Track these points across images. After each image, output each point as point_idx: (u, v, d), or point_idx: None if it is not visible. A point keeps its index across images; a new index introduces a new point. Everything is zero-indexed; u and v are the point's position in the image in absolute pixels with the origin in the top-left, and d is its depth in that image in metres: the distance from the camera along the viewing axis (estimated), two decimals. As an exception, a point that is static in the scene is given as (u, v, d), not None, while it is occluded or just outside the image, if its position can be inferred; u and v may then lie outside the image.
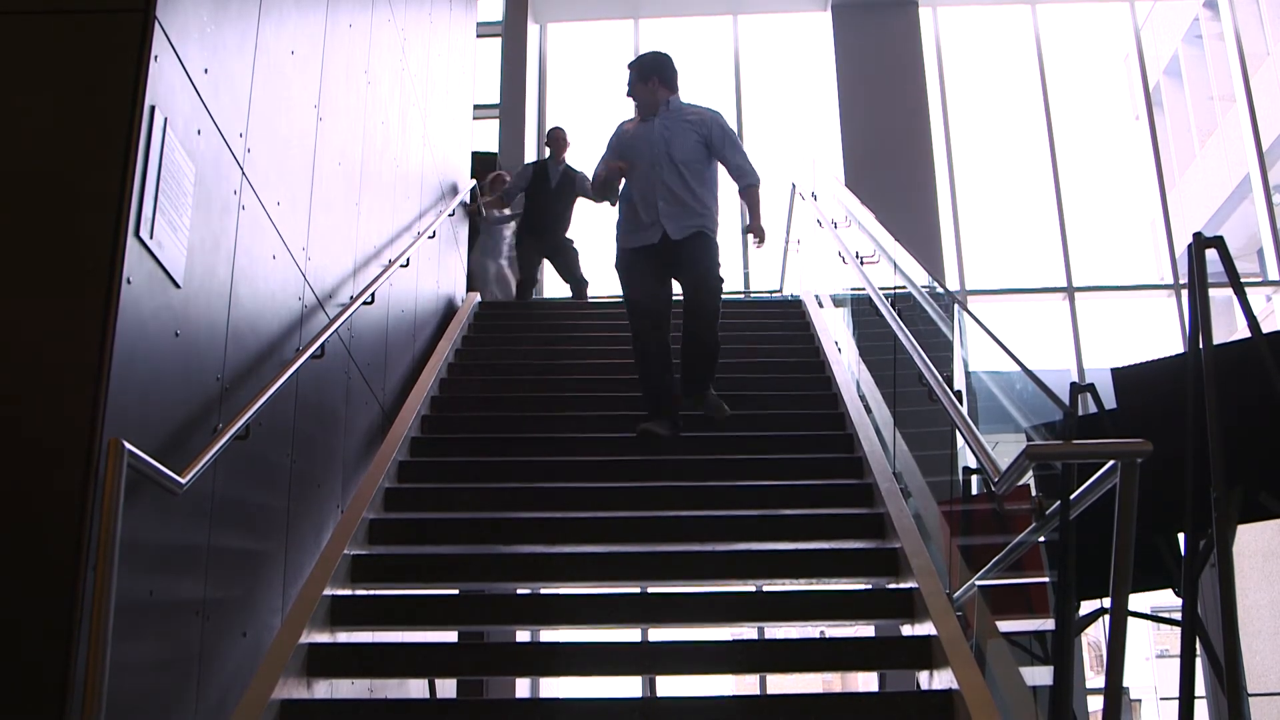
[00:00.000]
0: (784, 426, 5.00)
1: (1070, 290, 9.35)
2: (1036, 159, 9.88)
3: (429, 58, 6.24)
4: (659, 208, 4.72)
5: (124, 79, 2.45)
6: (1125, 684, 2.50)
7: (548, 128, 8.72)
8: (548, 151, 8.20)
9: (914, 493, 4.35)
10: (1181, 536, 2.88)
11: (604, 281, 8.05)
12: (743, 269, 9.72)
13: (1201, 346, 2.62)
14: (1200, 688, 6.44)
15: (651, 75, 4.91)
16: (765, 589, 3.93)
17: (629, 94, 4.94)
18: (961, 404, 3.59)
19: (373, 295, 4.46)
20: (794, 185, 8.33)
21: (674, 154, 4.78)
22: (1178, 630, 2.71)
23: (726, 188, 5.00)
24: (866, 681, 11.70)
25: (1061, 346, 9.14)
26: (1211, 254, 2.66)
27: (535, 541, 4.05)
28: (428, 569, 3.88)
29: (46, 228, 2.37)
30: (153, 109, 2.48)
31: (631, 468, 4.56)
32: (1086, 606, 3.05)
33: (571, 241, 8.11)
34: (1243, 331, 3.05)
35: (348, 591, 3.70)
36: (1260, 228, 9.78)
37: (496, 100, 9.82)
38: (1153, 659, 17.16)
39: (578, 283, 8.09)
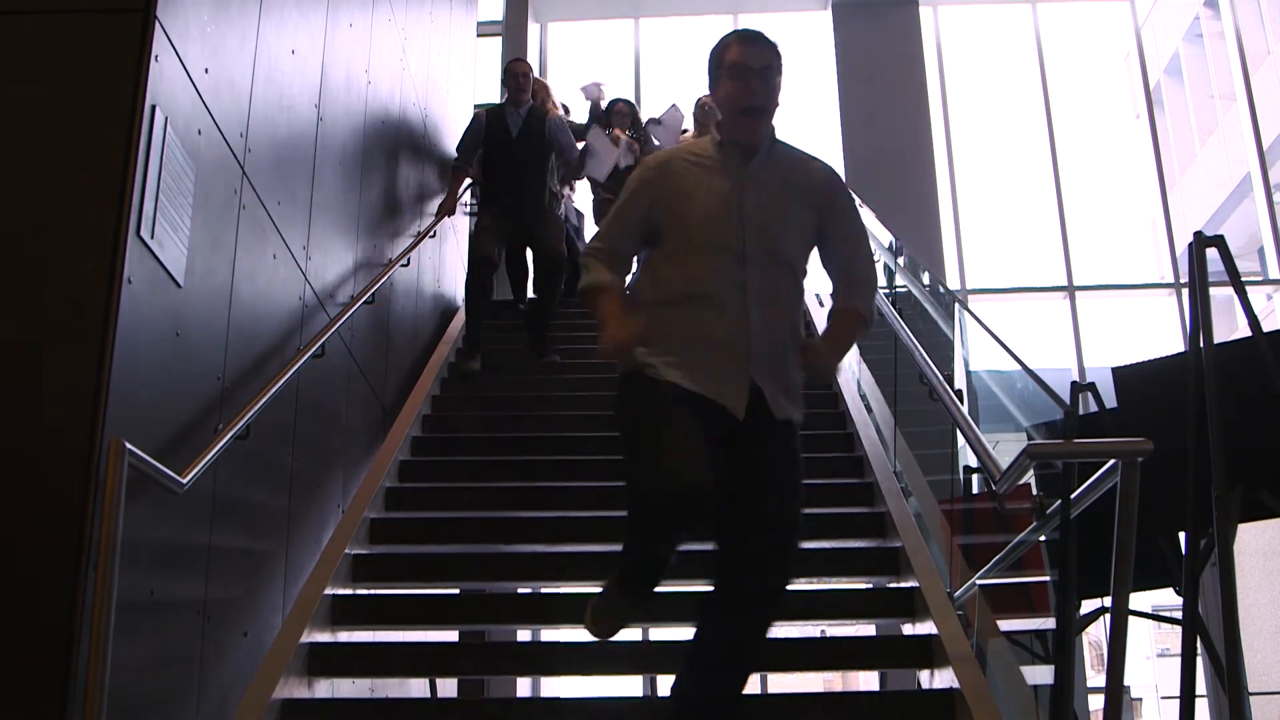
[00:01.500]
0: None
1: (1071, 289, 9.35)
2: (1037, 158, 9.88)
3: (429, 57, 6.24)
4: (750, 347, 2.49)
5: (125, 79, 2.45)
6: (1126, 683, 2.49)
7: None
8: (506, 94, 6.09)
9: (915, 492, 4.35)
10: (1182, 535, 2.88)
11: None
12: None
13: (1202, 345, 2.62)
14: (1201, 686, 6.44)
15: (781, 68, 2.59)
16: (766, 588, 3.92)
17: (748, 97, 2.52)
18: (962, 403, 3.58)
19: (373, 295, 4.46)
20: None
21: (780, 245, 2.56)
22: (1179, 629, 2.71)
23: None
24: (867, 680, 11.70)
25: (1062, 345, 9.15)
26: (1212, 253, 2.66)
27: (536, 540, 4.05)
28: (429, 568, 3.88)
29: (47, 227, 2.37)
30: (153, 109, 2.48)
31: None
32: (1087, 605, 3.05)
33: (553, 211, 5.95)
34: (1243, 330, 3.05)
35: (349, 591, 3.70)
36: (1261, 226, 9.78)
37: (497, 100, 9.82)
38: (1154, 658, 17.14)
39: (553, 264, 5.71)
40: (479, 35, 8.72)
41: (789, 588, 2.53)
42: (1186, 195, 13.02)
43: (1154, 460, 2.16)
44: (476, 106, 7.77)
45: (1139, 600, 2.96)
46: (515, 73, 6.03)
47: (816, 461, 4.64)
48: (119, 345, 2.32)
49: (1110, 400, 2.98)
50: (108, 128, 2.42)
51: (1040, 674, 3.14)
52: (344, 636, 3.57)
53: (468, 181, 6.42)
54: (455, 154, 6.16)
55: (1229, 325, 9.76)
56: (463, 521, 4.12)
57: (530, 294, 6.47)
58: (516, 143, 5.86)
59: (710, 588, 2.52)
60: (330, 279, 4.05)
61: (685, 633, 3.94)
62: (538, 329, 5.85)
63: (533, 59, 10.08)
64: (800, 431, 2.67)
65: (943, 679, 3.09)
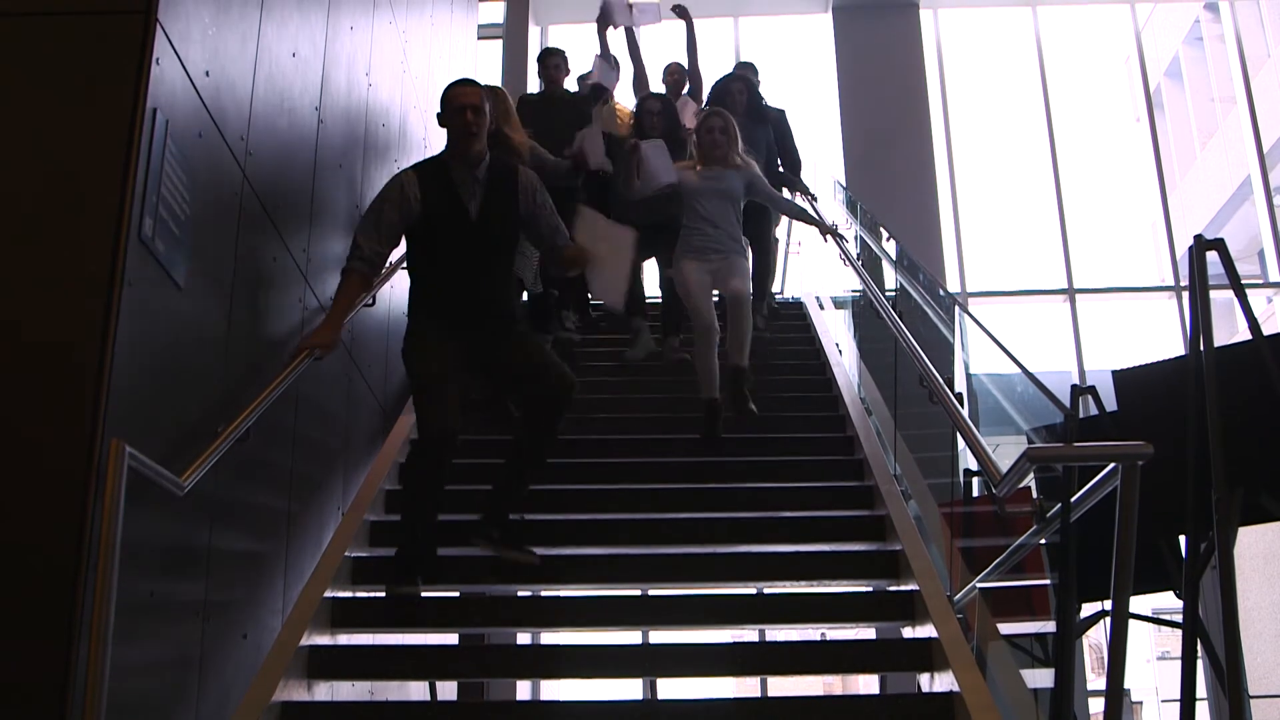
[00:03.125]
0: (785, 429, 5.00)
1: (1071, 292, 9.35)
2: (1037, 161, 9.88)
3: (430, 60, 6.24)
4: None
5: (125, 81, 2.45)
6: (1126, 686, 2.49)
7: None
8: (449, 140, 3.60)
9: (915, 495, 4.35)
10: (1183, 539, 2.87)
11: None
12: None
13: (1202, 348, 2.62)
14: (1201, 689, 6.44)
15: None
16: (766, 591, 3.93)
17: None
18: (962, 406, 3.58)
19: (374, 297, 4.45)
20: (795, 187, 8.29)
21: None
22: (1179, 632, 2.70)
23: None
24: (867, 684, 11.69)
25: (1062, 348, 9.15)
26: (1212, 256, 2.66)
27: (536, 543, 4.04)
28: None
29: (48, 230, 2.37)
30: (154, 111, 2.48)
31: (632, 470, 4.55)
32: (1088, 609, 3.05)
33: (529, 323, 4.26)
34: (1244, 333, 3.05)
35: (348, 593, 3.70)
36: (1261, 229, 9.78)
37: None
38: (1154, 661, 17.14)
39: (556, 389, 3.51)
40: (480, 38, 8.72)
41: None
42: (1187, 198, 13.03)
43: (1154, 463, 2.16)
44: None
45: (1139, 603, 2.96)
46: (463, 104, 3.52)
47: (816, 464, 4.64)
48: (119, 347, 2.32)
49: (1110, 403, 2.98)
50: (109, 130, 2.42)
51: (1040, 677, 3.14)
52: (344, 639, 3.56)
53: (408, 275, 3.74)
54: (356, 239, 3.53)
55: (1229, 328, 9.77)
56: (462, 524, 4.11)
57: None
58: (476, 228, 3.54)
59: None
60: (330, 281, 4.05)
61: (685, 635, 3.95)
62: (511, 497, 3.70)
63: (533, 61, 10.03)
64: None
65: (943, 682, 3.09)
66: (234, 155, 3.02)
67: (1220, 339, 2.70)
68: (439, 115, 3.62)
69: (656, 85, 6.70)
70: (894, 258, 5.75)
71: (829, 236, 5.45)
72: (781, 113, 6.39)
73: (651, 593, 4.01)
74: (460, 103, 3.55)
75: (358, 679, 3.63)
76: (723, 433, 4.64)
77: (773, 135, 6.21)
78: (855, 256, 5.63)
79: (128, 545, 2.22)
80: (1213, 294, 2.67)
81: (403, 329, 3.45)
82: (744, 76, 6.20)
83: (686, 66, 6.66)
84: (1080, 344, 9.15)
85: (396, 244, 3.61)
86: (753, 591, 3.97)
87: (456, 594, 4.34)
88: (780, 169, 6.20)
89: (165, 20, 2.54)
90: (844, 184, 8.31)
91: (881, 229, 6.11)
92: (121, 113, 2.43)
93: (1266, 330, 2.69)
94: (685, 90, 6.60)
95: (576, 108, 5.97)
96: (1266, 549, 8.95)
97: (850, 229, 6.64)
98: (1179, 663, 2.69)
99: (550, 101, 6.05)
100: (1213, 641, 2.87)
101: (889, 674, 5.15)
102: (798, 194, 6.23)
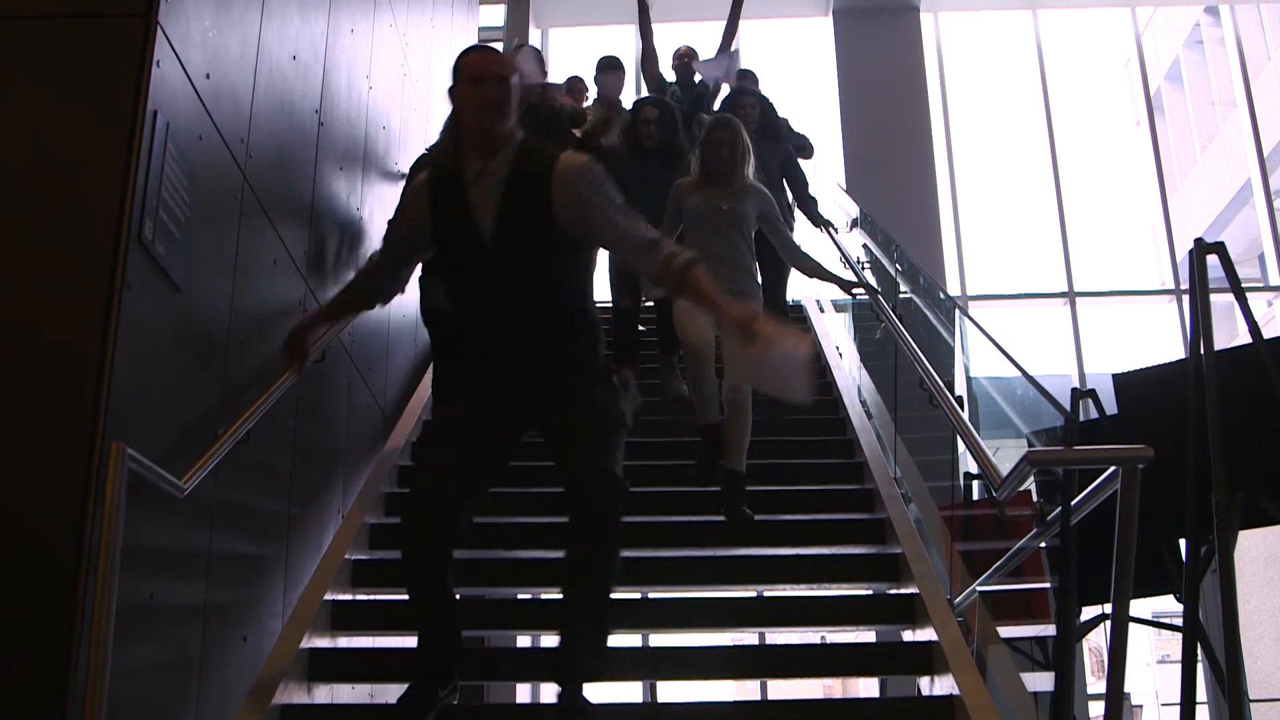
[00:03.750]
0: (784, 431, 5.00)
1: (1071, 295, 9.35)
2: (1038, 164, 9.89)
3: (431, 62, 6.24)
4: None
5: (126, 84, 2.45)
6: (1126, 689, 2.49)
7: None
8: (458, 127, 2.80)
9: (915, 498, 4.35)
10: (1183, 542, 2.87)
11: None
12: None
13: (1203, 352, 2.62)
14: (1201, 693, 6.43)
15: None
16: (766, 594, 3.93)
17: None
18: (963, 409, 3.58)
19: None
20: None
21: None
22: (1179, 635, 2.70)
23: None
24: (867, 687, 11.68)
25: (1063, 352, 9.15)
26: (1212, 259, 2.66)
27: (536, 546, 4.05)
28: (428, 573, 3.87)
29: (48, 232, 2.37)
30: (155, 114, 2.48)
31: (632, 472, 4.54)
32: (1088, 612, 3.05)
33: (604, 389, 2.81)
34: (1244, 337, 3.05)
35: (349, 596, 3.70)
36: (1261, 233, 9.79)
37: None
38: (1154, 664, 17.13)
39: (600, 498, 2.54)
40: (481, 40, 8.73)
41: None
42: (1187, 201, 13.03)
43: (1154, 467, 2.16)
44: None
45: (1139, 607, 2.96)
46: (477, 74, 2.59)
47: (817, 467, 4.64)
48: (119, 350, 2.32)
49: (1111, 407, 2.98)
50: (109, 132, 2.42)
51: (1041, 680, 3.14)
52: (344, 642, 3.56)
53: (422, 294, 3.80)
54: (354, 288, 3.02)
55: (1229, 332, 9.77)
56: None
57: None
58: (495, 251, 2.60)
59: None
60: (331, 284, 4.05)
61: (685, 638, 3.95)
62: (575, 649, 2.59)
63: (534, 64, 10.02)
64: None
65: (943, 685, 3.09)
66: (234, 157, 3.02)
67: (1220, 342, 2.70)
68: (450, 89, 2.66)
69: (663, 72, 6.69)
70: (895, 262, 5.75)
71: (865, 291, 4.79)
72: (788, 124, 6.23)
73: (651, 595, 4.00)
74: (472, 72, 2.58)
75: (358, 682, 3.63)
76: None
77: (789, 150, 5.80)
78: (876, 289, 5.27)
79: (128, 547, 2.22)
80: (1213, 297, 2.67)
81: (402, 334, 3.27)
82: (755, 90, 5.86)
83: (720, 42, 6.29)
84: (1080, 347, 9.15)
85: (408, 261, 2.89)
86: (753, 594, 3.97)
87: (456, 596, 4.34)
88: (791, 199, 5.84)
89: (166, 23, 2.54)
90: (844, 186, 8.31)
91: (883, 235, 6.10)
92: (122, 115, 2.43)
93: (1267, 334, 2.69)
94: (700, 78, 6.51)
95: (555, 113, 5.58)
96: (1267, 552, 8.94)
97: (850, 232, 6.63)
98: (1179, 666, 2.69)
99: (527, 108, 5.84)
100: (1213, 645, 2.87)
101: (889, 677, 5.14)
102: (820, 228, 5.91)
